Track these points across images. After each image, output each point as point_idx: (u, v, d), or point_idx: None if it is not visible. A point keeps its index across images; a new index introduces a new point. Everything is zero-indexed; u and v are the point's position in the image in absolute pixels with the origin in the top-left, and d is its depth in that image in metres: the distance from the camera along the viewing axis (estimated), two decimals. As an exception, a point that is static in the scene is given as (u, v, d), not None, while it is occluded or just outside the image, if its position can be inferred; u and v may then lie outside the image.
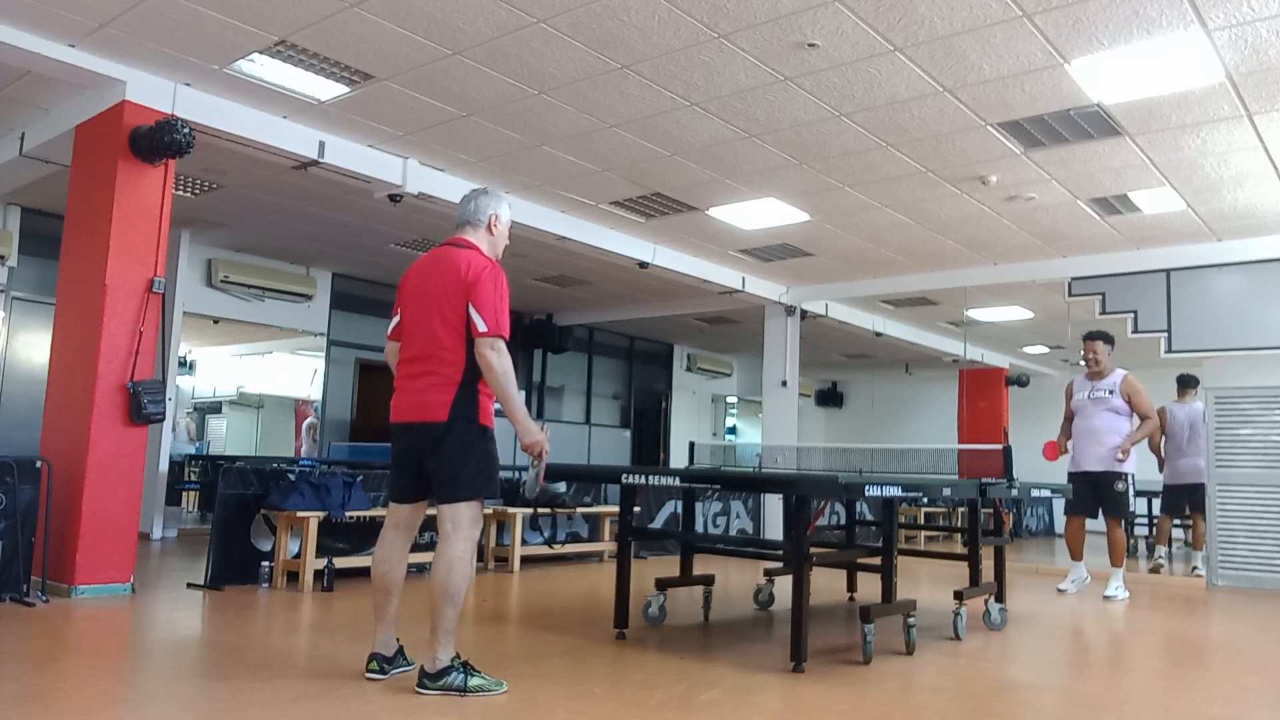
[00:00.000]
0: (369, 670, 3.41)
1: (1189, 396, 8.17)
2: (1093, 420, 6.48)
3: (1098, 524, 6.56)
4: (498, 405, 3.41)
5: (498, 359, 3.24)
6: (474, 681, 3.23)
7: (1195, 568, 8.03)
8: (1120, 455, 6.35)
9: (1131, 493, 6.49)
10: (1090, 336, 6.64)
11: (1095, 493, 6.43)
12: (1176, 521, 8.32)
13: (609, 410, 14.44)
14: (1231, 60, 4.77)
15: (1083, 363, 6.65)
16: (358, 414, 10.97)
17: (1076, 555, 6.53)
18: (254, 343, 11.09)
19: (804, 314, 10.75)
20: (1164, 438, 8.21)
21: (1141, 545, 10.50)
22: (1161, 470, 8.33)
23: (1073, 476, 6.48)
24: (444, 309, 3.32)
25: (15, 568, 4.85)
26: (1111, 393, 6.43)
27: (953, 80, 5.14)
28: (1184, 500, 8.09)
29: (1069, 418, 6.77)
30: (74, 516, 5.05)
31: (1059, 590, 6.51)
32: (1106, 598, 6.40)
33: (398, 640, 3.49)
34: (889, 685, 3.65)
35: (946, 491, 4.81)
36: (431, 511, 3.44)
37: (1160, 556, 8.42)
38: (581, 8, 4.52)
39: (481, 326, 3.25)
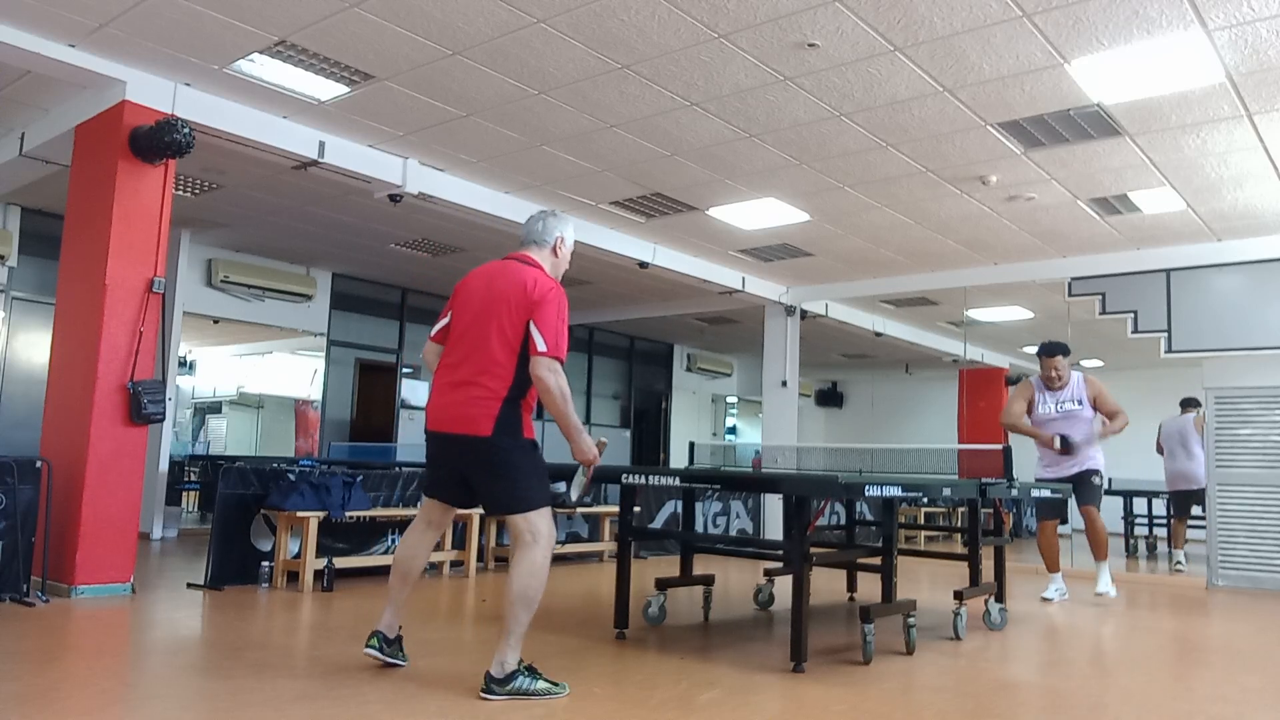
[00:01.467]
0: (368, 645, 3.47)
1: (1184, 411, 8.68)
2: (1069, 432, 6.24)
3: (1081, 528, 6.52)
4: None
5: (555, 380, 3.27)
6: (540, 685, 3.24)
7: (1178, 563, 8.39)
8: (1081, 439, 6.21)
9: (1103, 486, 6.45)
10: (1049, 353, 6.29)
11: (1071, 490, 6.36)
12: (1190, 523, 8.51)
13: (609, 410, 14.43)
14: (1231, 60, 4.77)
15: (1045, 380, 6.35)
16: (358, 414, 10.98)
17: (1053, 566, 6.34)
18: (254, 343, 11.08)
19: (804, 314, 10.75)
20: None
21: (1141, 545, 10.54)
22: None
23: (1045, 482, 6.31)
24: (503, 323, 3.33)
25: (15, 568, 4.85)
26: (1080, 403, 6.29)
27: (953, 80, 5.14)
28: (1183, 502, 8.51)
29: (1030, 428, 6.42)
30: (74, 516, 5.05)
31: (1043, 599, 6.28)
32: (1099, 595, 6.22)
33: (400, 628, 3.54)
34: (889, 685, 3.65)
35: (946, 491, 4.81)
36: (463, 512, 3.47)
37: (1179, 561, 8.45)
38: (581, 8, 4.52)
39: (541, 346, 3.27)
